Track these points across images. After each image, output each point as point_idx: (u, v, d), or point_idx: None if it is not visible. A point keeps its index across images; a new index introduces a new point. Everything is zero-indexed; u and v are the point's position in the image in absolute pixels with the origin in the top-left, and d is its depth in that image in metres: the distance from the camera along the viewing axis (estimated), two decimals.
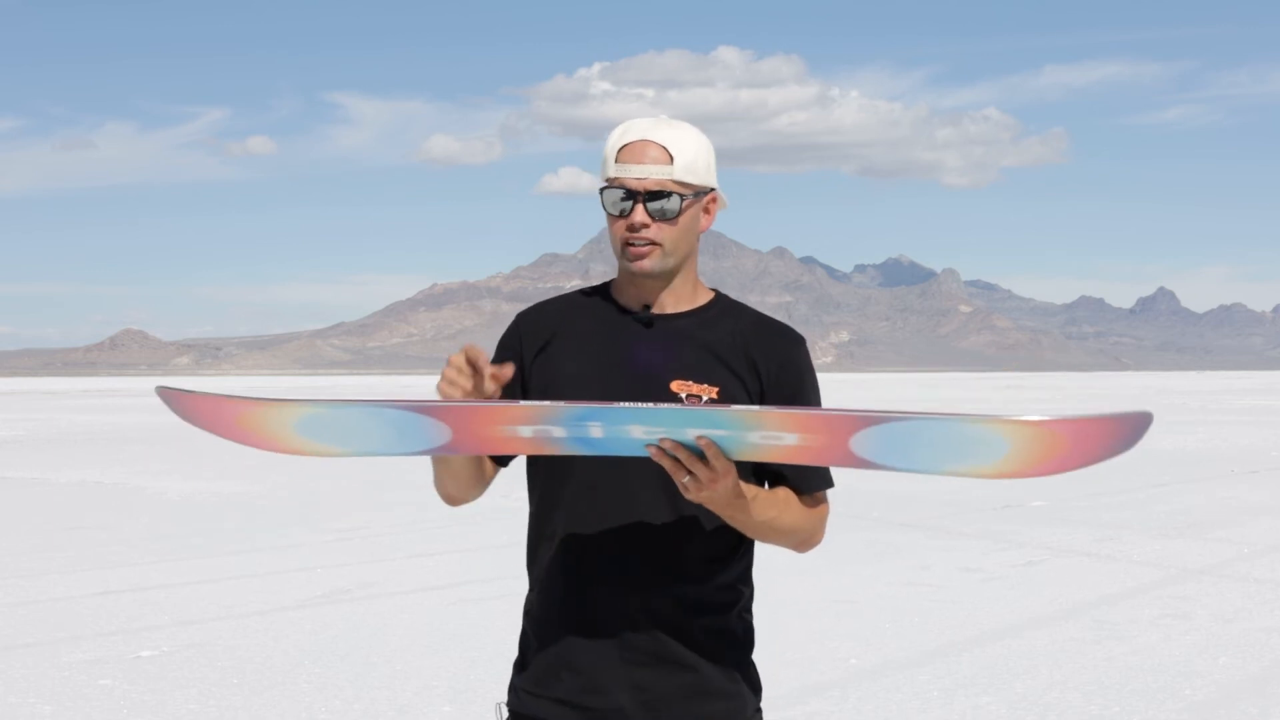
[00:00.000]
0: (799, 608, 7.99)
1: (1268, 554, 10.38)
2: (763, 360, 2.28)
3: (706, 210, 2.32)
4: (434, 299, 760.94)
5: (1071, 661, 6.74)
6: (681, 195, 2.24)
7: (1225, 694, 6.14)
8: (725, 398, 2.25)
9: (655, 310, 2.31)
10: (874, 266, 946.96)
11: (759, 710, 2.35)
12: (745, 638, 2.34)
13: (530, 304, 2.42)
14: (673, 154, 2.23)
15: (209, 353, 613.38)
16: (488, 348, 2.20)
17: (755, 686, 2.36)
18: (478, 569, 9.64)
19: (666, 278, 2.29)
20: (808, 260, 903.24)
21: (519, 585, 8.64)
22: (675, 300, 2.32)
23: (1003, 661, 6.74)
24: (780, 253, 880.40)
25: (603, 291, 2.38)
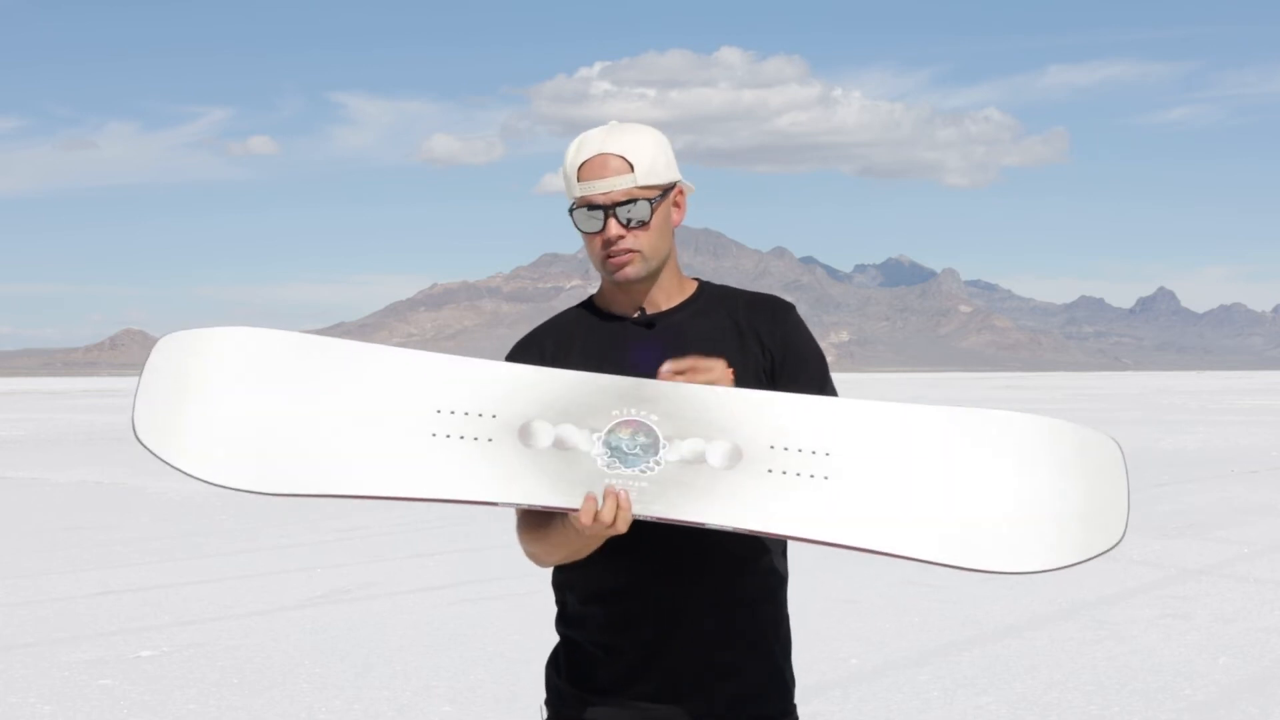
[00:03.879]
0: (799, 608, 7.97)
1: (1268, 554, 10.38)
2: (766, 336, 2.32)
3: (676, 204, 2.34)
4: (434, 299, 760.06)
5: (1071, 661, 6.74)
6: (649, 200, 2.26)
7: (1225, 694, 6.13)
8: (739, 372, 2.23)
9: (650, 310, 2.34)
10: (874, 266, 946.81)
11: (793, 708, 2.37)
12: (783, 633, 2.36)
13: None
14: (632, 162, 2.25)
15: None
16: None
17: (790, 683, 2.38)
18: (478, 569, 9.64)
19: (653, 278, 2.32)
20: (808, 260, 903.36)
21: (519, 585, 8.66)
22: (666, 297, 2.35)
23: (1003, 661, 6.74)
24: (780, 253, 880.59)
25: (590, 305, 2.40)
